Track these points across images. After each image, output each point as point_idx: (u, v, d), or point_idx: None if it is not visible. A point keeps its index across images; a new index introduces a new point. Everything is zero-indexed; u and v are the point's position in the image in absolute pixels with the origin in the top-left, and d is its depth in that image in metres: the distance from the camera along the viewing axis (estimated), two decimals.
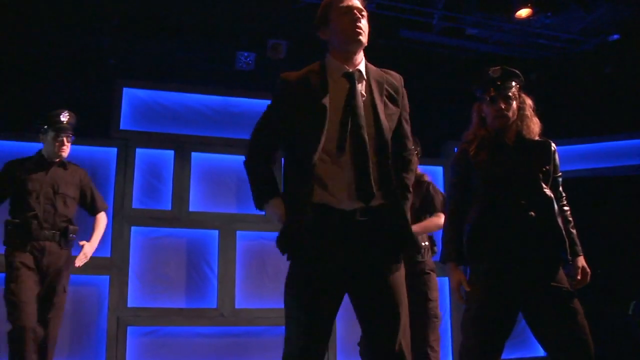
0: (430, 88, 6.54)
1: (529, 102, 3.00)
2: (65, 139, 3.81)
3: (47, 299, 3.68)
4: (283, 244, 2.15)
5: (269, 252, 5.54)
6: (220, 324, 5.31)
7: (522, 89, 3.06)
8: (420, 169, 4.02)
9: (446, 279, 5.97)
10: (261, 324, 5.42)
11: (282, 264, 5.72)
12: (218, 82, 5.90)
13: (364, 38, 2.28)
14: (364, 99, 2.23)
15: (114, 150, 5.41)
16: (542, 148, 2.94)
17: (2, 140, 5.16)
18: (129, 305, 5.12)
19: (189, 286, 5.37)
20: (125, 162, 5.38)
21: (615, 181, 6.92)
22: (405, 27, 5.74)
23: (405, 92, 2.40)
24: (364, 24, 2.27)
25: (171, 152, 5.52)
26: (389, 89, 2.33)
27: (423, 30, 5.77)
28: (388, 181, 2.16)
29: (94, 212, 4.15)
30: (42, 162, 3.84)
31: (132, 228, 5.29)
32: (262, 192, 2.29)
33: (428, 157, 6.42)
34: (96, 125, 5.31)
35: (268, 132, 2.39)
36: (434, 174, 6.41)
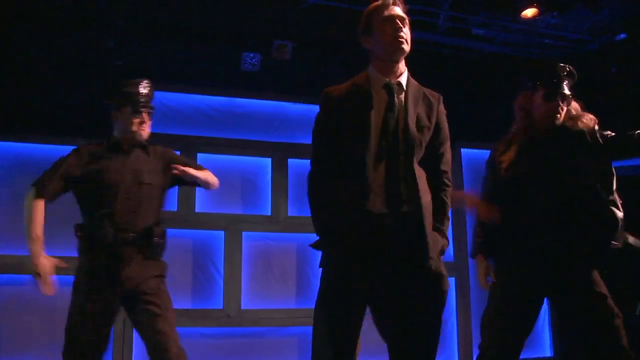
0: (435, 88, 6.50)
1: (575, 105, 2.95)
2: (145, 114, 3.09)
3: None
4: (332, 249, 2.20)
5: (274, 253, 5.55)
6: (226, 324, 5.32)
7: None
8: None
9: (452, 278, 5.97)
10: (267, 324, 5.43)
11: (287, 265, 5.77)
12: (223, 83, 5.90)
13: (406, 46, 2.36)
14: (399, 111, 2.31)
15: None
16: (577, 138, 2.87)
17: (4, 141, 5.20)
18: None
19: (194, 287, 5.38)
20: None
21: (624, 180, 6.88)
22: (411, 27, 5.74)
23: (443, 110, 2.49)
24: (406, 32, 2.34)
25: (177, 153, 5.52)
26: (425, 105, 2.41)
27: (428, 30, 5.76)
28: (414, 189, 2.21)
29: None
30: (117, 147, 3.08)
31: None
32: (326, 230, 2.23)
33: None
34: (102, 127, 5.31)
35: (323, 152, 2.40)
36: None
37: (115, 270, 2.88)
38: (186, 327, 5.24)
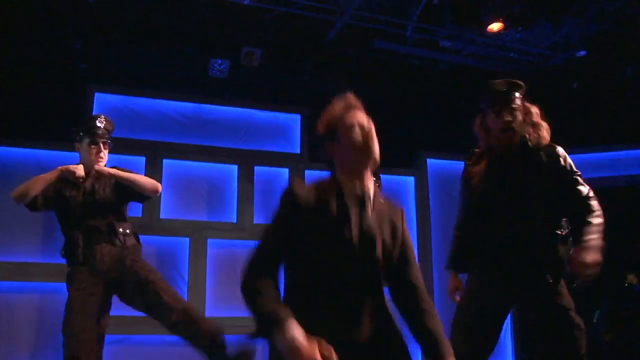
0: (403, 99, 6.60)
1: (534, 110, 3.01)
2: (101, 145, 3.45)
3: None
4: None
5: (239, 260, 5.47)
6: None
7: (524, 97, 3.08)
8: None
9: None
10: (231, 332, 5.37)
11: None
12: (191, 89, 5.88)
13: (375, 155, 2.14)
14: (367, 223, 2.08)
15: None
16: (544, 156, 2.91)
17: None
18: None
19: None
20: None
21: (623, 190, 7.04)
22: (379, 38, 5.80)
23: (407, 228, 2.24)
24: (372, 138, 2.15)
25: (142, 159, 5.47)
26: (392, 219, 2.17)
27: (397, 41, 5.84)
28: (381, 314, 2.08)
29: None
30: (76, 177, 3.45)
31: None
32: (272, 313, 1.91)
33: (401, 167, 6.48)
34: (67, 130, 5.24)
35: (274, 247, 2.06)
36: (406, 185, 6.46)
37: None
38: (149, 335, 5.17)
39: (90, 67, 5.58)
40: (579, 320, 2.80)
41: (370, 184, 2.14)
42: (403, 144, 6.61)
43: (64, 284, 3.45)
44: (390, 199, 2.23)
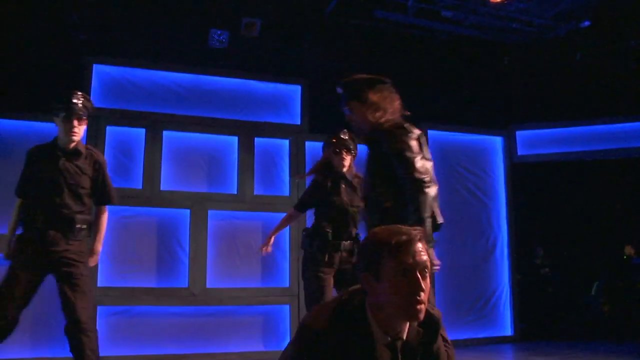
0: (404, 69, 6.54)
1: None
2: (75, 121, 3.47)
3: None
4: None
5: (240, 231, 5.54)
6: (191, 303, 5.30)
7: None
8: None
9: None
10: (232, 303, 5.43)
11: (253, 243, 5.75)
12: (191, 60, 5.82)
13: (422, 314, 1.72)
14: None
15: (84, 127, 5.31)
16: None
17: None
18: (99, 284, 5.08)
19: (159, 265, 5.35)
20: (95, 140, 5.29)
21: (585, 165, 7.06)
22: (380, 7, 5.73)
23: (441, 343, 1.95)
24: (427, 290, 1.71)
25: (142, 131, 5.46)
26: (425, 348, 1.87)
27: (398, 11, 5.76)
28: None
29: (98, 202, 3.70)
30: (53, 150, 3.53)
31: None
32: None
33: None
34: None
35: None
36: None
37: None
38: (151, 306, 5.22)
39: (89, 39, 5.53)
40: None
41: (405, 329, 1.79)
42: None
43: None
44: (426, 317, 1.79)
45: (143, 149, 5.42)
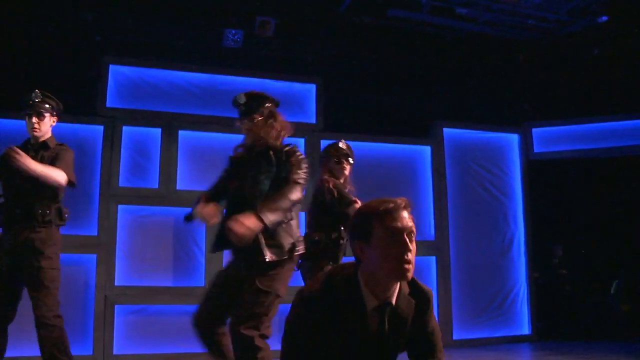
0: (419, 68, 6.53)
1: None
2: (34, 117, 3.63)
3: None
4: None
5: None
6: None
7: None
8: None
9: (434, 257, 6.01)
10: None
11: None
12: (205, 60, 5.85)
13: (410, 273, 1.85)
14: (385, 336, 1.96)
15: (100, 128, 5.36)
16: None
17: None
18: (117, 283, 5.12)
19: (176, 264, 5.37)
20: (111, 140, 5.34)
21: (602, 162, 6.99)
22: (394, 5, 5.71)
23: (432, 315, 2.06)
24: (413, 251, 1.84)
25: (158, 130, 5.49)
26: (415, 316, 2.00)
27: (412, 9, 5.74)
28: None
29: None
30: (25, 146, 3.65)
31: (119, 206, 5.27)
32: None
33: (417, 136, 6.44)
34: (82, 102, 5.25)
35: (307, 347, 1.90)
36: (422, 155, 6.42)
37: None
38: (167, 305, 5.25)
39: (104, 40, 5.57)
40: None
41: (394, 294, 1.92)
42: (418, 114, 6.56)
43: None
44: (417, 290, 1.99)
45: (159, 149, 5.45)
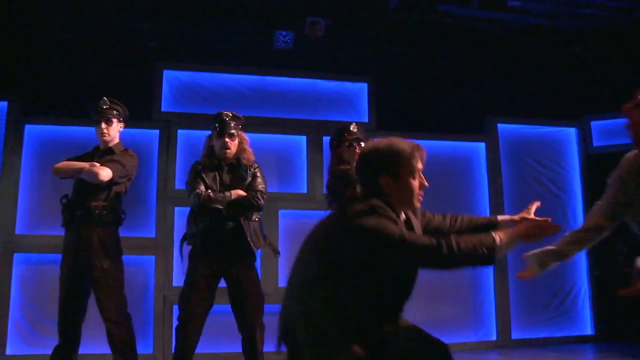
0: (470, 63, 6.42)
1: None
2: (103, 123, 3.80)
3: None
4: None
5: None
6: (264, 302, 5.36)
7: None
8: None
9: None
10: None
11: None
12: (257, 62, 5.90)
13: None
14: None
15: (156, 132, 5.48)
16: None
17: (39, 124, 5.34)
18: (174, 284, 5.21)
19: None
20: (167, 144, 5.45)
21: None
22: (443, 1, 5.63)
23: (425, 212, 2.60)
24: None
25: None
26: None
27: (462, 4, 5.64)
28: None
29: None
30: (93, 152, 3.88)
31: (176, 208, 5.36)
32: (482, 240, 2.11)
33: (471, 133, 6.33)
34: (138, 108, 5.37)
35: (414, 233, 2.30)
36: (477, 151, 6.31)
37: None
38: (222, 305, 5.30)
39: (158, 46, 5.69)
40: None
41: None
42: (472, 110, 6.45)
43: None
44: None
45: None
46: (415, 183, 2.22)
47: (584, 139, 6.63)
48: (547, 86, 6.67)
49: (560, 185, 6.53)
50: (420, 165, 2.24)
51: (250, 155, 3.98)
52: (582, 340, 6.19)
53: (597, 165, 6.65)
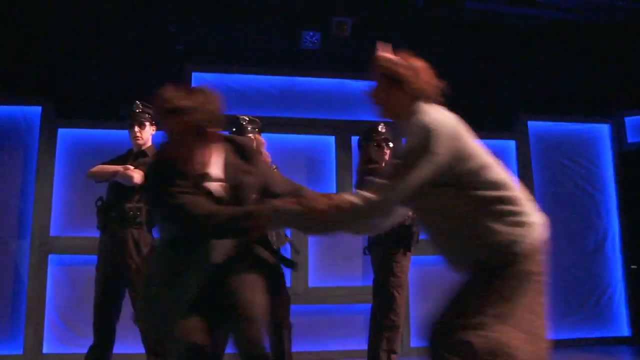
0: (499, 60, 6.34)
1: None
2: (136, 126, 3.86)
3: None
4: None
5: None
6: (293, 302, 5.37)
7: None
8: None
9: None
10: (333, 302, 5.47)
11: (353, 242, 5.74)
12: (284, 63, 5.92)
13: None
14: None
15: None
16: None
17: (71, 128, 5.43)
18: None
19: None
20: None
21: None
22: None
23: None
24: None
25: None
26: None
27: (489, 0, 5.59)
28: None
29: None
30: (126, 155, 3.93)
31: None
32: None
33: (501, 131, 6.25)
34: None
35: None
36: (507, 149, 6.24)
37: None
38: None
39: (186, 48, 5.75)
40: None
41: None
42: (502, 107, 6.37)
43: None
44: None
45: None
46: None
47: (618, 135, 6.50)
48: (578, 82, 6.54)
49: (593, 183, 6.41)
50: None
51: (265, 158, 4.00)
52: (619, 341, 6.06)
53: (631, 161, 6.51)
